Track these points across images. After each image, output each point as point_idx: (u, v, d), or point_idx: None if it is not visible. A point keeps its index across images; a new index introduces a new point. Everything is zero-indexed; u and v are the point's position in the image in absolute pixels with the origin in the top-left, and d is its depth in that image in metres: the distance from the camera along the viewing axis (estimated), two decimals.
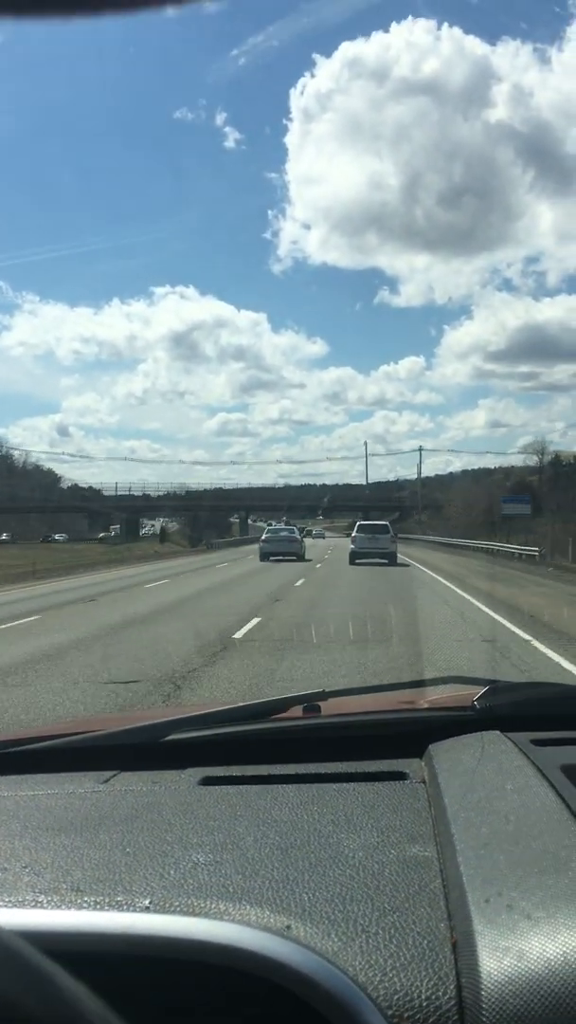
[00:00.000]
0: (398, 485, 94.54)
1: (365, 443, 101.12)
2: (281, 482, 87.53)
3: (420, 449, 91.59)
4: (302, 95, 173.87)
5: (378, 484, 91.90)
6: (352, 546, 28.27)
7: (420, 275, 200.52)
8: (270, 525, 45.49)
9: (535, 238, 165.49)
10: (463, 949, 0.70)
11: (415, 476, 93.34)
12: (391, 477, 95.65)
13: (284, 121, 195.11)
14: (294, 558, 32.00)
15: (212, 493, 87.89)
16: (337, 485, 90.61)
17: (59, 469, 78.57)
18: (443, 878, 0.84)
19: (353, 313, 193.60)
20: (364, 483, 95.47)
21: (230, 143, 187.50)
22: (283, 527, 41.07)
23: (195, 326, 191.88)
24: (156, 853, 0.92)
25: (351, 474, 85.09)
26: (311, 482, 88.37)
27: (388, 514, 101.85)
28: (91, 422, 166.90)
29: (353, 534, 29.25)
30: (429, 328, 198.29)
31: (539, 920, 0.70)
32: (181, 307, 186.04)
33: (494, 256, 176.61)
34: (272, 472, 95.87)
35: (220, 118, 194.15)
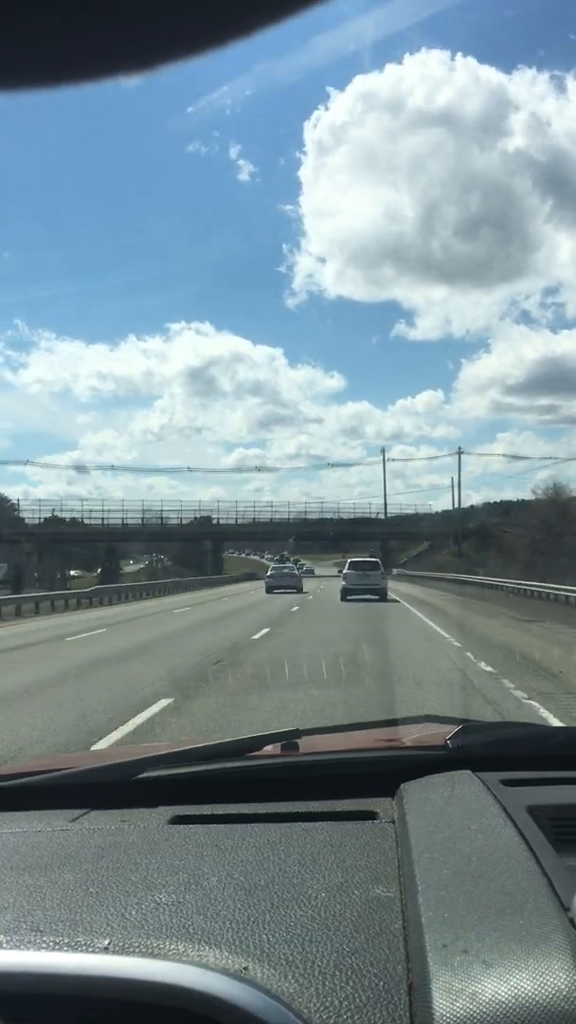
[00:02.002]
0: (418, 517, 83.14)
1: (383, 449, 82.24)
2: (293, 515, 77.98)
3: (459, 452, 74.54)
4: (315, 128, 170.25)
5: (399, 517, 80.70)
6: (343, 583, 28.88)
7: (437, 308, 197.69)
8: (275, 561, 54.77)
9: (554, 269, 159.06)
10: (419, 992, 0.71)
11: (437, 508, 78.64)
12: (410, 510, 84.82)
13: (298, 154, 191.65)
14: (294, 591, 35.73)
15: (191, 525, 75.12)
16: (353, 519, 79.43)
17: (78, 508, 72.93)
18: (404, 919, 0.84)
19: (370, 347, 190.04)
20: (383, 503, 79.11)
21: (244, 175, 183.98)
22: (285, 565, 48.91)
23: (211, 361, 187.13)
24: (119, 893, 0.93)
25: (373, 507, 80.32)
26: (330, 516, 79.38)
27: (413, 544, 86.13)
28: (108, 459, 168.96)
29: (344, 571, 30.22)
30: (447, 361, 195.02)
31: (493, 962, 0.72)
32: (197, 343, 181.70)
33: (513, 288, 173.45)
34: (290, 508, 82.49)
35: (234, 151, 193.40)
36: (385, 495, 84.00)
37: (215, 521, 75.97)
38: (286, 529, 78.53)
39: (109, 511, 73.10)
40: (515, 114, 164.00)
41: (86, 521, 71.97)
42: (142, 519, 73.42)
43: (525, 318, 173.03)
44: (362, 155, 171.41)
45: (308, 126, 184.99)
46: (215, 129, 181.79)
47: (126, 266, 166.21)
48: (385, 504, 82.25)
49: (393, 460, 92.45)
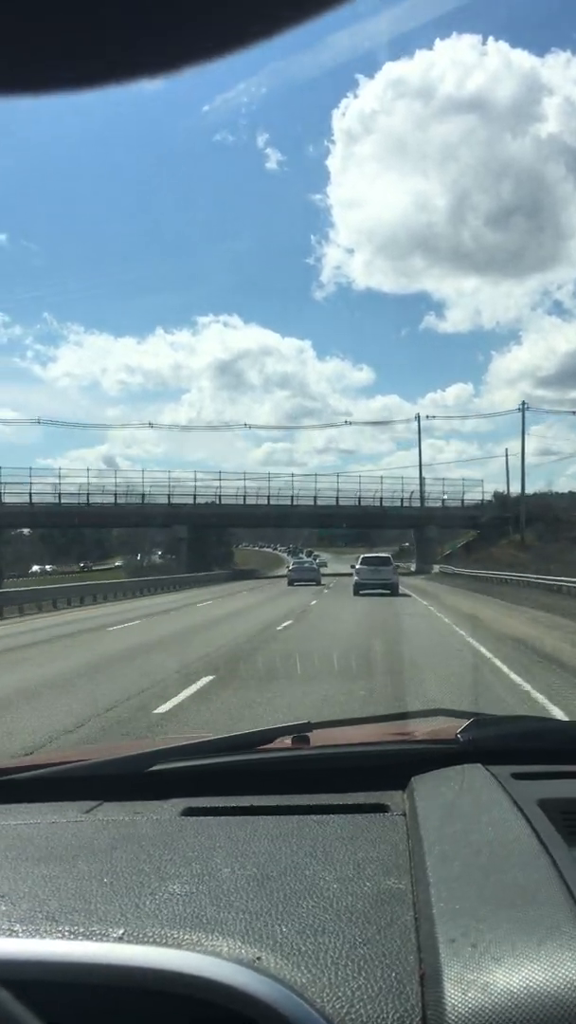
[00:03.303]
0: (461, 508, 67.46)
1: (417, 416, 72.14)
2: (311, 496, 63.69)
3: (523, 407, 58.84)
4: (344, 116, 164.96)
5: (428, 510, 65.50)
6: (356, 578, 29.97)
7: (467, 299, 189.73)
8: (291, 555, 67.61)
9: None
10: (430, 982, 0.71)
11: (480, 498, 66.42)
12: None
13: (326, 143, 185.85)
14: (313, 583, 40.31)
15: (201, 508, 59.94)
16: (382, 504, 64.57)
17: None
18: (415, 911, 0.86)
19: (399, 339, 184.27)
20: (419, 481, 63.13)
21: (272, 164, 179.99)
22: (305, 559, 59.91)
23: (240, 355, 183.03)
24: (133, 883, 0.94)
25: (406, 489, 66.33)
26: (351, 502, 64.78)
27: (456, 534, 70.49)
28: (137, 453, 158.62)
29: (357, 567, 30.96)
30: (477, 354, 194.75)
31: (504, 954, 0.72)
32: (225, 336, 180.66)
33: (545, 278, 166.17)
34: (316, 486, 69.09)
35: (261, 139, 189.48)
36: (421, 472, 67.21)
37: (216, 498, 60.49)
38: (304, 513, 63.53)
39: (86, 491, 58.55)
40: (548, 99, 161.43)
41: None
42: (114, 498, 57.76)
43: (557, 309, 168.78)
44: (391, 143, 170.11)
45: (337, 115, 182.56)
46: (242, 118, 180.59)
47: (153, 259, 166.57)
48: (422, 483, 65.59)
49: (432, 418, 75.45)
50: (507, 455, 65.65)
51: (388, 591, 28.05)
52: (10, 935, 0.81)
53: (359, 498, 64.39)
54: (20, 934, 0.82)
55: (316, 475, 71.58)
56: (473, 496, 67.28)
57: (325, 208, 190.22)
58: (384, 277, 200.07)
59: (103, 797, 1.32)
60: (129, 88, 0.43)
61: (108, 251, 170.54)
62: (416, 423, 69.25)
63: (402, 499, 65.71)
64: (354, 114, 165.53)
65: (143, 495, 59.00)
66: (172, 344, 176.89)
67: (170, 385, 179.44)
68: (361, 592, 27.98)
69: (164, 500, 58.71)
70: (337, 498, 63.56)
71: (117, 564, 78.48)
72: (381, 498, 64.55)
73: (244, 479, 63.81)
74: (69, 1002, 0.69)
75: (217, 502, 59.93)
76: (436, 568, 58.41)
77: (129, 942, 0.78)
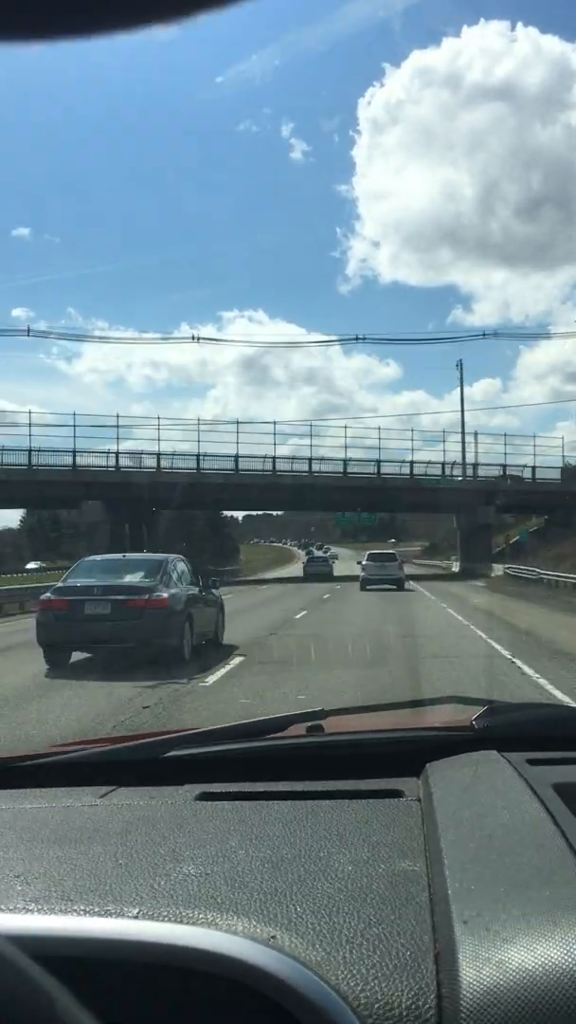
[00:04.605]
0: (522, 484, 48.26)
1: (459, 363, 53.49)
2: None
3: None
4: (370, 105, 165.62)
5: (486, 484, 47.67)
6: (363, 573, 31.07)
7: (495, 292, 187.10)
8: (309, 552, 71.66)
9: None
10: (445, 960, 0.72)
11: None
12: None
13: (351, 133, 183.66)
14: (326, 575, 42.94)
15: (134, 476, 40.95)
16: (414, 479, 46.93)
17: None
18: (430, 892, 0.86)
19: (426, 334, 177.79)
20: (460, 451, 46.43)
21: (297, 154, 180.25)
22: (318, 554, 63.75)
23: (265, 350, 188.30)
24: (147, 865, 0.95)
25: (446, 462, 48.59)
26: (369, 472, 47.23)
27: (513, 522, 51.70)
28: (164, 448, 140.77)
29: (363, 563, 32.08)
30: (505, 348, 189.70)
31: (519, 933, 0.73)
32: (250, 331, 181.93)
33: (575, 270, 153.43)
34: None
35: (286, 129, 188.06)
36: (463, 434, 47.80)
37: (198, 467, 42.24)
38: (326, 486, 44.80)
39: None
40: None
41: None
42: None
43: None
44: (418, 133, 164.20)
45: (363, 103, 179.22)
46: (266, 106, 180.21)
47: (178, 254, 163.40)
48: (475, 453, 46.13)
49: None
50: None
51: (394, 586, 29.58)
52: (25, 913, 0.83)
53: (378, 467, 45.10)
54: (35, 912, 0.83)
55: (311, 423, 53.62)
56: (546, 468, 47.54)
57: (351, 200, 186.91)
58: (410, 270, 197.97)
59: (118, 782, 1.33)
60: (139, 35, 0.41)
61: (132, 247, 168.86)
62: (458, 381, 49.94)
63: (443, 469, 46.15)
64: (380, 103, 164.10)
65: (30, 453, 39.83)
66: (199, 345, 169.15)
67: (195, 381, 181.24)
68: (368, 587, 29.29)
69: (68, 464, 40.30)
70: (379, 470, 44.82)
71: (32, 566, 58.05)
72: (413, 470, 45.13)
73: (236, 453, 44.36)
74: (82, 978, 0.66)
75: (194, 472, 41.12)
76: (498, 569, 38.67)
77: (144, 920, 0.79)
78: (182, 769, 1.36)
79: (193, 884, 0.89)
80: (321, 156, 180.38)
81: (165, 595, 9.89)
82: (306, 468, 44.88)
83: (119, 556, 12.23)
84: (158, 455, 42.80)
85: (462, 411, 50.00)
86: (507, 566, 37.51)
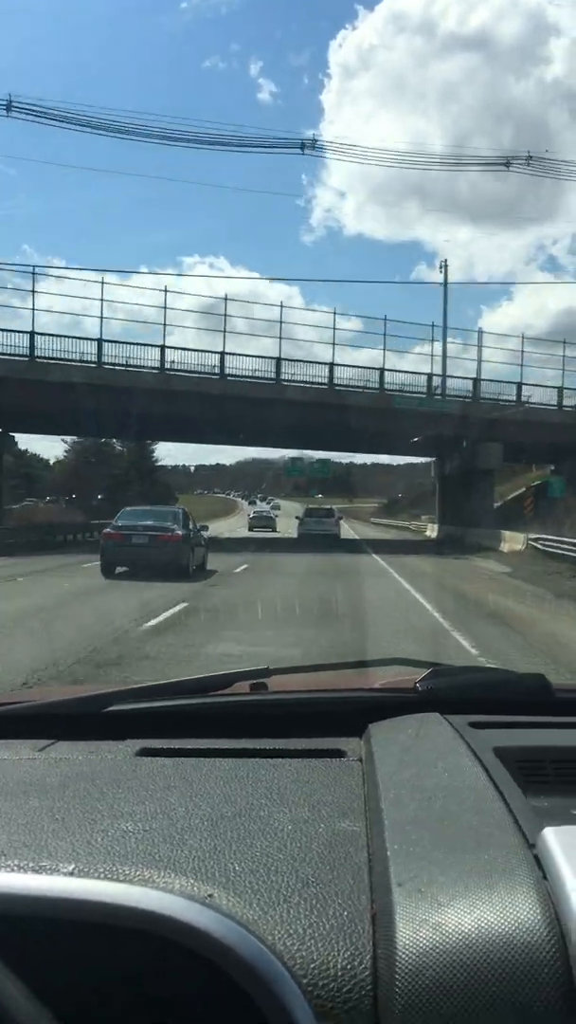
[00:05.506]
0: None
1: (444, 264, 36.09)
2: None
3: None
4: (341, 48, 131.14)
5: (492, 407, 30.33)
6: (300, 529, 33.40)
7: (460, 250, 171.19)
8: (256, 505, 77.47)
9: None
10: (382, 921, 0.73)
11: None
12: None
13: (321, 76, 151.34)
14: (269, 529, 47.54)
15: None
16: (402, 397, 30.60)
17: None
18: (369, 853, 0.87)
19: (389, 289, 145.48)
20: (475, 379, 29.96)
21: (264, 95, 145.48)
22: (263, 508, 68.94)
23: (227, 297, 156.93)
24: (85, 821, 0.95)
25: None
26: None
27: (505, 476, 36.15)
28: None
29: (302, 518, 34.91)
30: (466, 308, 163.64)
31: (457, 894, 0.74)
32: (211, 279, 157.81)
33: (541, 231, 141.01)
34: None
35: (254, 68, 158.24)
36: (445, 351, 32.99)
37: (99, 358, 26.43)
38: (229, 401, 29.98)
39: None
40: (555, 40, 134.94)
41: None
42: None
43: (552, 264, 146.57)
44: (389, 81, 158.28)
45: (334, 46, 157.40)
46: (234, 41, 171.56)
47: (139, 196, 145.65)
48: (478, 365, 31.38)
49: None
50: None
51: (330, 541, 29.98)
52: None
53: (330, 373, 30.05)
54: None
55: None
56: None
57: (318, 147, 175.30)
58: (376, 223, 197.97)
59: (57, 736, 1.32)
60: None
61: (89, 186, 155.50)
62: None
63: (430, 384, 31.26)
64: (352, 47, 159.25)
65: None
66: (157, 285, 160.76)
67: (154, 328, 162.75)
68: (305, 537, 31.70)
69: None
70: (331, 376, 30.55)
71: None
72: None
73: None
74: (11, 936, 0.67)
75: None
76: (514, 539, 24.03)
77: (80, 877, 0.78)
78: (123, 724, 1.35)
79: (131, 841, 0.88)
80: (289, 99, 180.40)
81: (180, 533, 16.05)
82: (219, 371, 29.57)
83: (149, 507, 19.78)
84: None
85: (444, 307, 34.78)
86: (534, 537, 22.64)
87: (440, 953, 0.66)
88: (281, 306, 31.77)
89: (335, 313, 32.98)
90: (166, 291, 31.50)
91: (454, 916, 0.70)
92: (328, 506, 41.28)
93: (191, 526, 16.93)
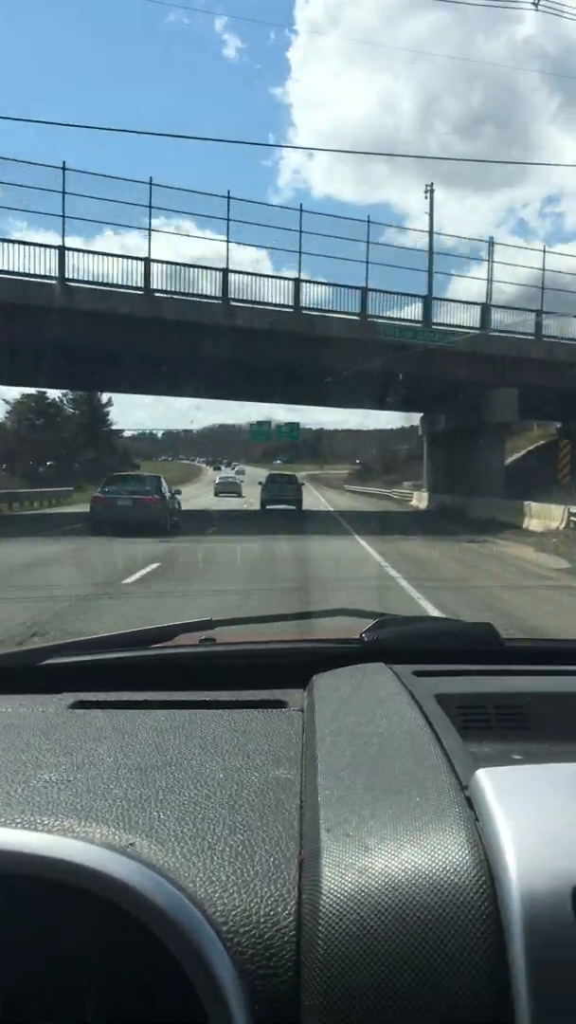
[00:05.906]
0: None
1: (430, 188, 29.84)
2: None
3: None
4: (308, 3, 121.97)
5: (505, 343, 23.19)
6: (263, 495, 32.10)
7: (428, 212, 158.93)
8: (218, 469, 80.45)
9: (556, 175, 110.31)
10: (308, 867, 0.72)
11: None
12: None
13: (287, 32, 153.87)
14: (235, 495, 47.46)
15: None
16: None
17: None
18: (301, 799, 0.86)
19: (357, 252, 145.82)
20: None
21: (230, 51, 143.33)
22: (229, 474, 67.87)
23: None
24: (6, 772, 0.93)
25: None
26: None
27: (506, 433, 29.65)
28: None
29: (264, 484, 33.06)
30: (436, 275, 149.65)
31: (386, 838, 0.73)
32: (176, 241, 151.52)
33: (513, 194, 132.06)
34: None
35: (219, 23, 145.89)
36: (431, 233, 26.29)
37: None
38: (167, 327, 25.42)
39: None
40: None
41: None
42: None
43: (522, 228, 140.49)
44: (358, 37, 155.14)
45: (300, 1, 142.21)
46: None
47: (102, 155, 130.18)
48: (488, 285, 24.27)
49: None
50: None
51: (293, 507, 30.30)
52: None
53: (296, 291, 22.81)
54: None
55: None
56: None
57: (285, 105, 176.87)
58: (344, 184, 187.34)
59: None
60: None
61: (54, 142, 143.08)
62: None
63: (426, 309, 24.35)
64: (320, 1, 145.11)
65: None
66: (122, 247, 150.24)
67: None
68: (267, 507, 30.59)
69: None
70: (296, 295, 23.60)
71: None
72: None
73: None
74: None
75: None
76: (557, 517, 17.18)
77: None
78: (61, 678, 1.32)
79: (52, 791, 0.86)
80: (255, 55, 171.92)
81: (157, 497, 19.04)
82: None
83: (132, 473, 26.40)
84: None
85: (431, 234, 27.73)
86: None
87: (365, 896, 0.66)
88: (228, 196, 23.91)
89: (300, 210, 24.81)
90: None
91: (381, 860, 0.69)
92: (290, 472, 41.30)
93: (169, 491, 20.11)
